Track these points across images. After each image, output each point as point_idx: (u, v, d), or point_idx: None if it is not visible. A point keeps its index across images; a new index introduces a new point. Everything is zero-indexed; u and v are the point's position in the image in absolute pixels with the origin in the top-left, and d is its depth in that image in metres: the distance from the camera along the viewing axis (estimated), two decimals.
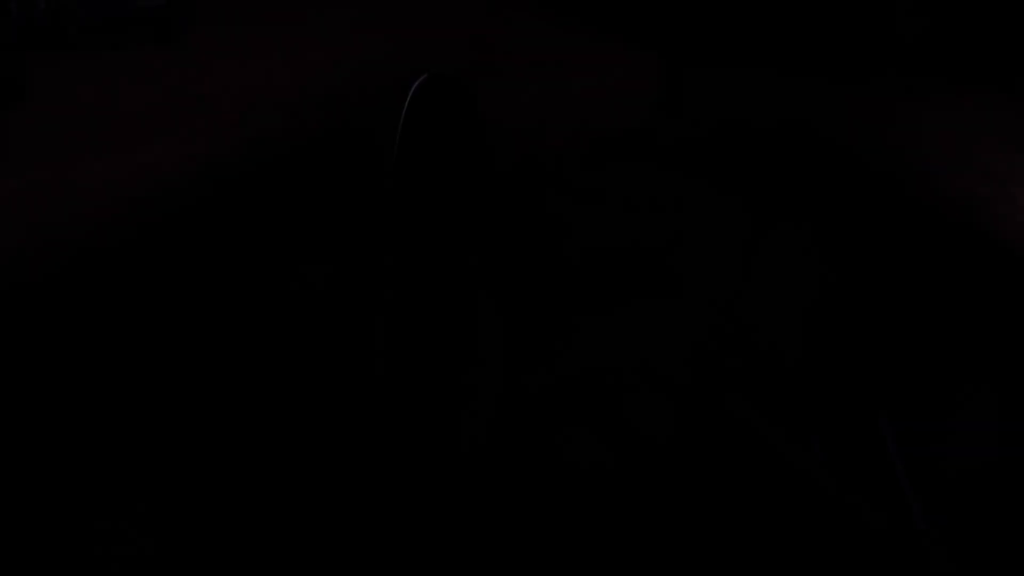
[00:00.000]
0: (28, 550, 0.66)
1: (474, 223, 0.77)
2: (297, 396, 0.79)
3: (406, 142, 0.80)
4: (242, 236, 1.08)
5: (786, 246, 0.97)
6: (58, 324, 0.92)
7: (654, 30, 1.44)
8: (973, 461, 0.70)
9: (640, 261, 0.91)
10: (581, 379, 0.79)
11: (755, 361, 0.81)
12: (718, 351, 0.82)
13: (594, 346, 0.83)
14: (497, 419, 0.71)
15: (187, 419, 0.78)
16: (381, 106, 0.81)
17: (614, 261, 0.88)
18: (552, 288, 0.86)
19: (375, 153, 0.81)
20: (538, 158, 1.24)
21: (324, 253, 0.95)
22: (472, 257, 0.71)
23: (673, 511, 0.67)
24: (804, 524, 0.64)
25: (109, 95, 1.15)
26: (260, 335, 0.86)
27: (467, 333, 0.68)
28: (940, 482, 0.68)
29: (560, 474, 0.70)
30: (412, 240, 0.78)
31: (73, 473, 0.72)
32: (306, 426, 0.75)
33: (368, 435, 0.70)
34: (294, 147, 1.12)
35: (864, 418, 0.73)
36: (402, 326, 0.70)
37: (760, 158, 1.13)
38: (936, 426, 0.73)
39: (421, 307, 0.70)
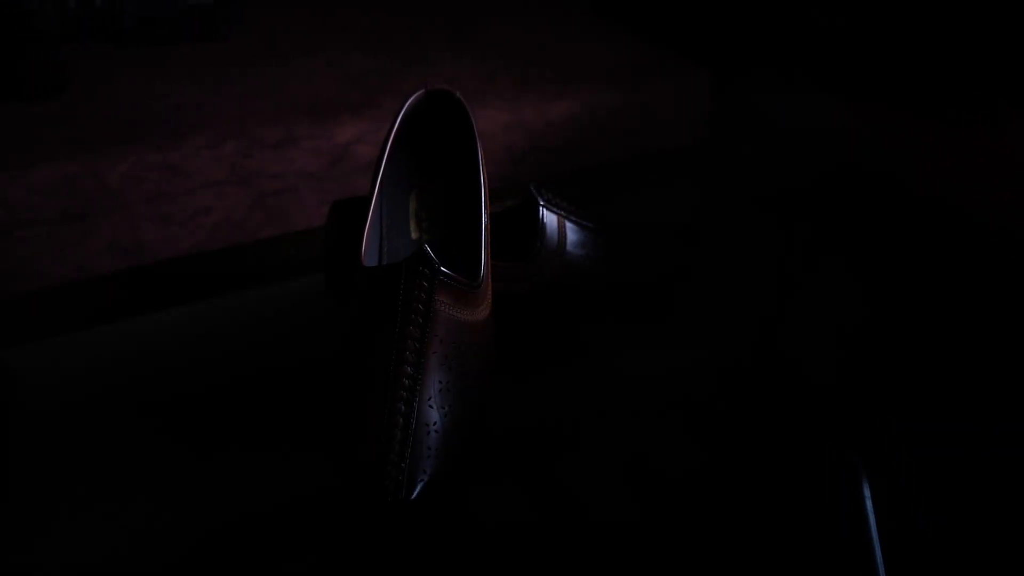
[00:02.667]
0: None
1: (466, 241, 0.76)
2: None
3: (393, 158, 0.79)
4: (253, 238, 1.10)
5: (825, 279, 0.95)
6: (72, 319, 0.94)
7: (708, 45, 1.43)
8: (973, 461, 0.69)
9: (663, 286, 0.88)
10: (585, 411, 0.77)
11: (786, 388, 0.79)
12: (744, 381, 0.80)
13: (598, 378, 0.81)
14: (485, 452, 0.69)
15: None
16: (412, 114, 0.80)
17: (633, 288, 0.86)
18: (555, 315, 0.84)
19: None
20: (565, 177, 1.24)
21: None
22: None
23: (698, 560, 0.64)
24: None
25: (148, 91, 1.19)
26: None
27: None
28: (940, 482, 0.66)
29: (563, 507, 0.68)
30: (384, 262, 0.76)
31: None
32: None
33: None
34: (318, 149, 1.13)
35: (893, 433, 0.72)
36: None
37: (807, 185, 1.11)
38: (936, 426, 0.71)
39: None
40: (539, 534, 0.65)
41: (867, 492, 0.61)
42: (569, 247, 0.81)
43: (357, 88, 1.23)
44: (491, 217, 0.81)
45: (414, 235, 0.80)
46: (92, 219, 1.04)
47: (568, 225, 0.81)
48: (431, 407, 0.62)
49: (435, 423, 0.62)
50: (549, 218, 0.80)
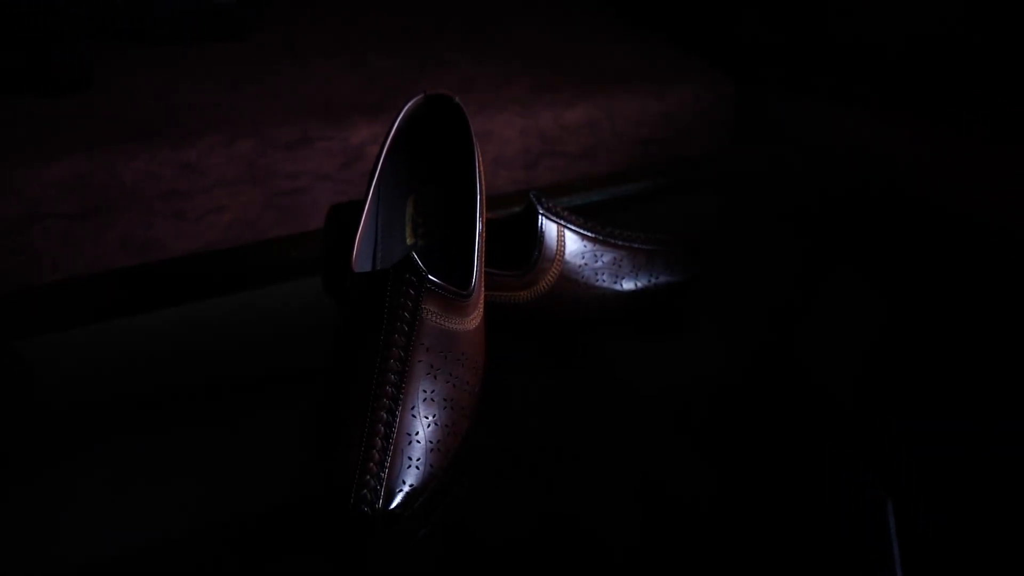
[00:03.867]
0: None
1: (463, 248, 0.75)
2: None
3: (391, 162, 0.78)
4: (265, 238, 1.11)
5: (842, 289, 0.95)
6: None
7: (733, 51, 1.42)
8: (973, 461, 0.68)
9: (676, 298, 0.88)
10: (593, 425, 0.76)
11: (799, 400, 0.78)
12: (756, 392, 0.79)
13: (598, 389, 0.80)
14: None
15: None
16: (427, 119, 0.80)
17: (636, 297, 0.85)
18: (553, 325, 0.83)
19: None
20: (580, 183, 1.23)
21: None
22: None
23: None
24: None
25: (167, 89, 1.20)
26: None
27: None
28: (940, 482, 0.66)
29: (565, 523, 0.67)
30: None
31: None
32: None
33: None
34: (332, 150, 1.14)
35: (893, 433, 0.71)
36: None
37: (827, 196, 1.11)
38: (936, 426, 0.71)
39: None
40: (541, 549, 0.64)
41: (892, 522, 0.61)
42: (568, 257, 0.81)
43: (373, 89, 1.23)
44: (492, 224, 0.81)
45: (410, 240, 0.80)
46: (107, 215, 1.05)
47: (567, 234, 0.81)
48: (414, 416, 0.62)
49: (418, 433, 0.62)
50: (548, 227, 0.79)
